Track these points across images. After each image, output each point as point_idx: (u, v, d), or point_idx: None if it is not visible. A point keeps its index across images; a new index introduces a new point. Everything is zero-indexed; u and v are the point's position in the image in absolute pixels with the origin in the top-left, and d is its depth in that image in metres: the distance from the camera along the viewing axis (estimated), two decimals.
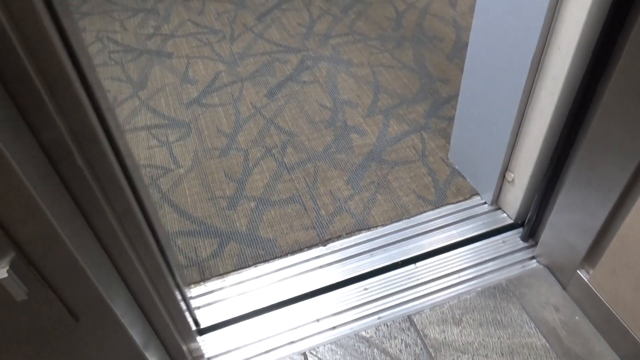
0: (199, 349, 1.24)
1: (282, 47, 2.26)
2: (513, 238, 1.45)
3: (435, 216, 1.52)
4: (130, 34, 2.40)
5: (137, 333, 0.90)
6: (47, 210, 0.66)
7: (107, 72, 2.16)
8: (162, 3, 2.62)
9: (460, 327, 1.25)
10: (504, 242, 1.44)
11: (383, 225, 1.50)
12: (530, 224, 1.39)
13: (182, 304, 1.12)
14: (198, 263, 1.42)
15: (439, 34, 2.30)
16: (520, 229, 1.46)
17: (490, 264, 1.39)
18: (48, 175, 0.69)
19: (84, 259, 0.73)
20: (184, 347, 1.14)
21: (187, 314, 1.16)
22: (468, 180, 1.61)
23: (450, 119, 1.83)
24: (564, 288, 1.31)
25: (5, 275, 0.62)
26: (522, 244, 1.43)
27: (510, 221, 1.49)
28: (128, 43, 2.33)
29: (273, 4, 2.57)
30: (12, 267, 0.64)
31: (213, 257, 1.43)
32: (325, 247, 1.45)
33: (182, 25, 2.45)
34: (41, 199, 0.65)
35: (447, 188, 1.59)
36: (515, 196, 1.44)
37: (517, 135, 1.35)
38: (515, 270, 1.37)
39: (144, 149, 1.79)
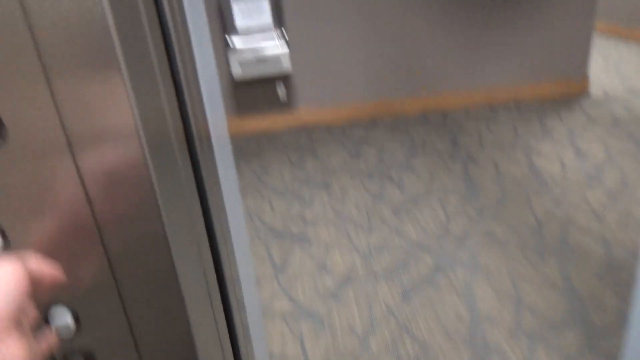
0: None
1: (416, 245, 2.31)
2: None
3: None
4: (277, 215, 2.64)
5: None
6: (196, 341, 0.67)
7: (252, 249, 2.35)
8: (307, 188, 2.91)
9: None
10: None
11: None
12: None
13: None
14: None
15: (586, 249, 2.18)
16: None
17: None
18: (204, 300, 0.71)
19: None
20: None
21: None
22: None
23: (611, 358, 1.62)
24: None
25: None
26: None
27: None
28: (274, 224, 2.56)
29: (408, 197, 2.71)
30: None
31: None
32: None
33: (323, 211, 2.65)
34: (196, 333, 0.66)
35: None
36: None
37: None
38: None
39: (277, 335, 1.82)
